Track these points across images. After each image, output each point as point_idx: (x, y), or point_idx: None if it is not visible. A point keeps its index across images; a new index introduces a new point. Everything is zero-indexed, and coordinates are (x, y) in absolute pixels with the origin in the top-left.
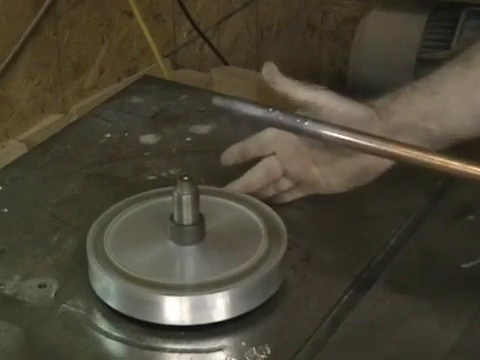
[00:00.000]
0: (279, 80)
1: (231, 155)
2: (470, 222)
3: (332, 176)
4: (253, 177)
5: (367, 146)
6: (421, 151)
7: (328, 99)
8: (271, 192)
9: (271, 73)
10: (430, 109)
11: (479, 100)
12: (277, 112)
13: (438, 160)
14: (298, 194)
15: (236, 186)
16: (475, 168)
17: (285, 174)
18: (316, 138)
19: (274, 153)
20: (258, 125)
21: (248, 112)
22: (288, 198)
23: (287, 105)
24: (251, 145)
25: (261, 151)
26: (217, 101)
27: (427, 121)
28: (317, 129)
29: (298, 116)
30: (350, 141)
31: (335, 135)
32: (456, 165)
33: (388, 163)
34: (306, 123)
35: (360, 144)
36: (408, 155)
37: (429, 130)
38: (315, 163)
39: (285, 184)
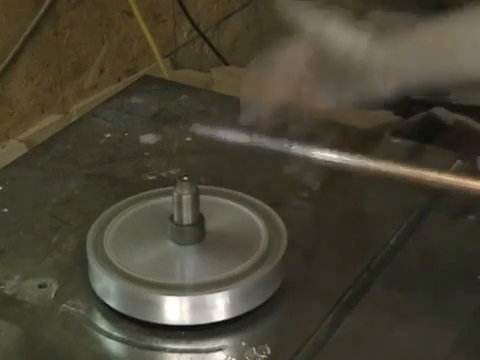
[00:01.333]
0: (290, 7)
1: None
2: (470, 222)
3: (339, 93)
4: (273, 96)
5: (357, 167)
6: (414, 168)
7: (334, 31)
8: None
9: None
10: (442, 42)
11: None
12: (263, 138)
13: (433, 176)
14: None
15: (258, 109)
16: (471, 182)
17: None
18: (305, 161)
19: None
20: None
21: (231, 139)
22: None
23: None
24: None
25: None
26: (197, 130)
27: (437, 54)
28: (305, 152)
29: (284, 141)
30: (341, 163)
31: (324, 158)
32: (451, 180)
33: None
34: (293, 147)
35: (350, 166)
36: (401, 173)
37: (439, 62)
38: (323, 79)
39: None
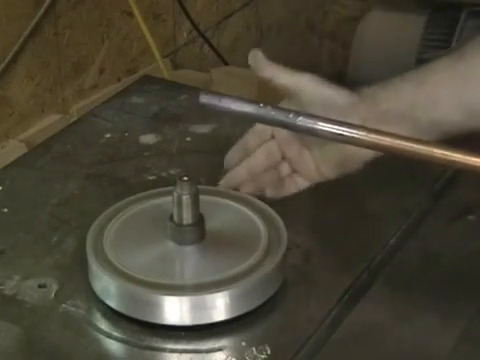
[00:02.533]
0: (263, 65)
1: (234, 154)
2: (470, 222)
3: (322, 161)
4: (254, 160)
5: (363, 140)
6: (420, 144)
7: (310, 84)
8: (275, 176)
9: (256, 59)
10: (418, 99)
11: (468, 93)
12: (269, 107)
13: (438, 152)
14: (298, 182)
15: (239, 171)
16: (476, 159)
17: (284, 158)
18: (310, 134)
19: (273, 137)
20: (249, 121)
21: (237, 108)
22: (290, 188)
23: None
24: (249, 135)
25: (260, 138)
26: (204, 98)
27: (414, 111)
28: (311, 124)
29: (291, 111)
30: (346, 136)
31: (330, 130)
32: (457, 157)
33: (372, 152)
34: (300, 118)
35: (356, 138)
36: (407, 148)
37: (416, 120)
38: (307, 147)
39: (285, 168)
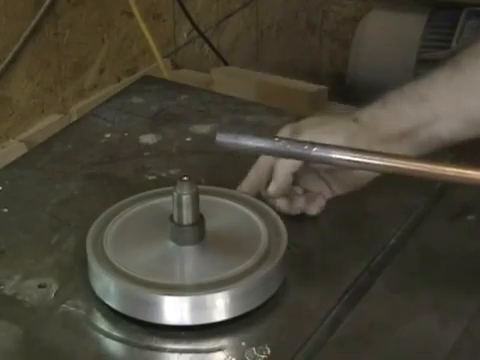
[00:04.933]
0: None
1: (249, 183)
2: (470, 222)
3: (333, 183)
4: (252, 175)
5: (378, 165)
6: (433, 164)
7: (309, 135)
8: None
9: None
10: (419, 116)
11: (466, 103)
12: (284, 141)
13: (452, 171)
14: (319, 199)
15: (242, 189)
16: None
17: (296, 183)
18: (326, 163)
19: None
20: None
21: (254, 145)
22: (303, 205)
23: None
24: (262, 159)
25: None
26: (221, 138)
27: (417, 127)
28: (326, 154)
29: (305, 143)
30: (361, 162)
31: (345, 158)
32: (470, 173)
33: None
34: (314, 149)
35: (371, 164)
36: (424, 170)
37: (418, 135)
38: (319, 170)
39: (297, 189)
